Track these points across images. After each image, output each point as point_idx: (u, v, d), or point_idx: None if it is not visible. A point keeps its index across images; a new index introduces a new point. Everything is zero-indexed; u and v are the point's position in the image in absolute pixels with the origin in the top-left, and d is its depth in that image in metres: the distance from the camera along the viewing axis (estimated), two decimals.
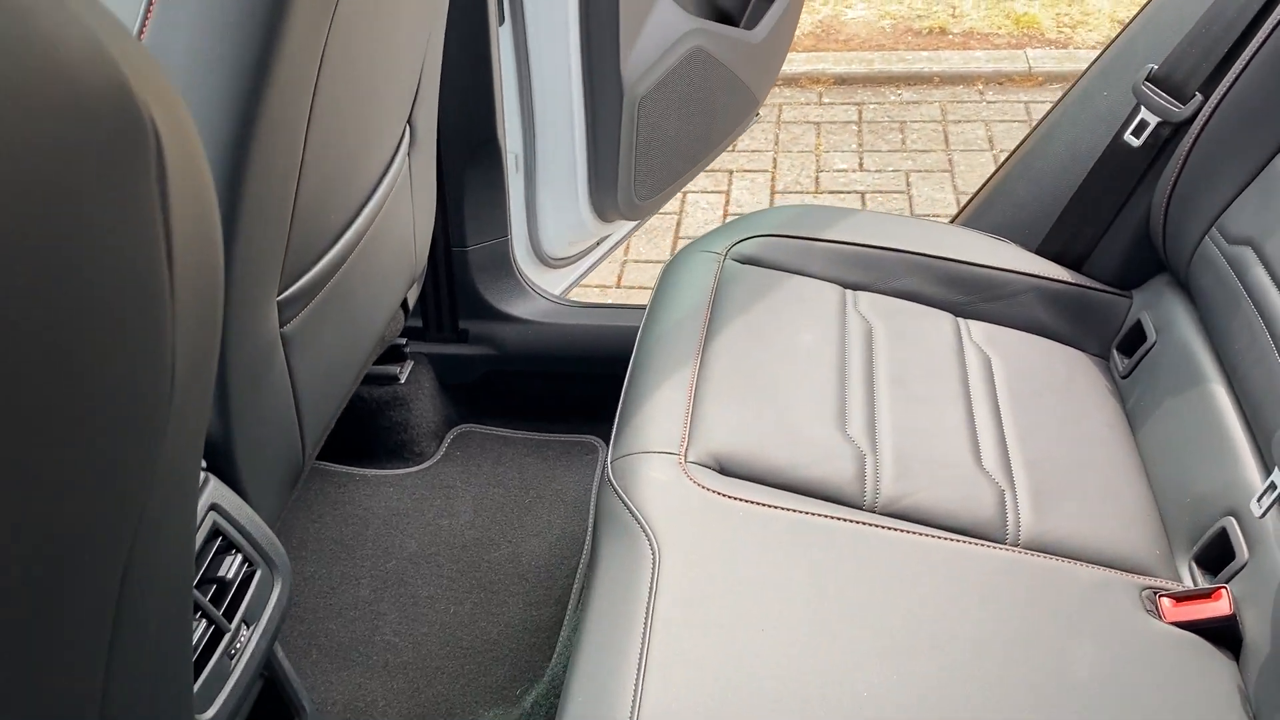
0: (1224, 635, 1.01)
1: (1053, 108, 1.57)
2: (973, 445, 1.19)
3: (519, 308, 1.86)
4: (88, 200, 0.40)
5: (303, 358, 1.08)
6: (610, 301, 2.98)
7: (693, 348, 1.26)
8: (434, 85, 1.34)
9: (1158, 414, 1.27)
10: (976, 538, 1.08)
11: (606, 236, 2.10)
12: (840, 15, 4.60)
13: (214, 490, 0.96)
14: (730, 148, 2.15)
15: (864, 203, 3.40)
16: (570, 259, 2.04)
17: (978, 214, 1.60)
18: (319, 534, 1.72)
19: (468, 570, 1.67)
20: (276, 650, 1.15)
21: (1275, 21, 1.26)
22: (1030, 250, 1.49)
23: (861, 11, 4.62)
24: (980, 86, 4.03)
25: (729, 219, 3.34)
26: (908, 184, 3.45)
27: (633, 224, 2.12)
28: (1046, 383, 1.32)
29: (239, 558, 0.97)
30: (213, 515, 0.95)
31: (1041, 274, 1.44)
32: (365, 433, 1.85)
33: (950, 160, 3.56)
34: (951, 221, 1.69)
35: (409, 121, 1.28)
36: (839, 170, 3.56)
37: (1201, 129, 1.31)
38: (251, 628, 0.96)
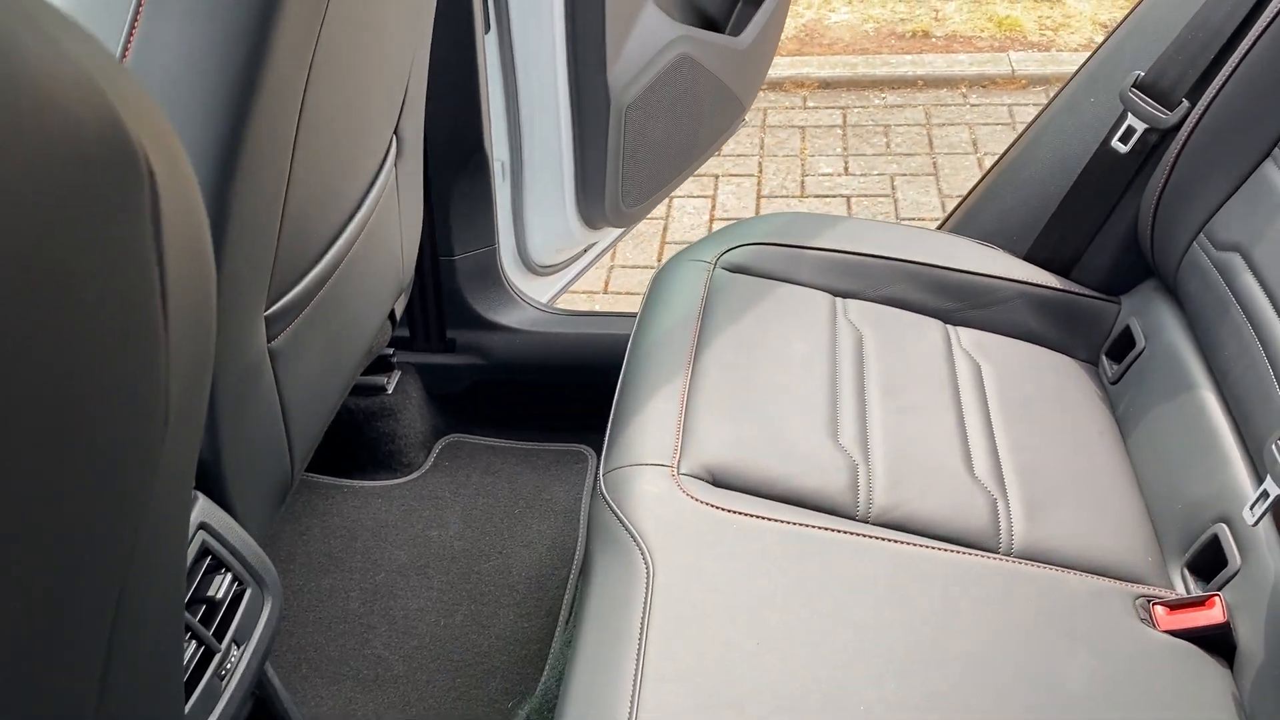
0: (1218, 643, 1.01)
1: (1039, 113, 1.57)
2: (964, 453, 1.19)
3: (507, 316, 1.85)
4: (82, 241, 0.39)
5: (291, 372, 1.07)
6: (598, 308, 2.97)
7: (684, 358, 1.25)
8: (420, 95, 1.33)
9: (1148, 420, 1.28)
10: (970, 547, 1.08)
11: (594, 244, 2.09)
12: (824, 19, 4.61)
13: (202, 508, 0.95)
14: (716, 153, 2.16)
15: (850, 206, 3.40)
16: (558, 266, 2.04)
17: (966, 220, 1.60)
18: (307, 547, 1.71)
19: (458, 582, 1.66)
20: (266, 668, 1.14)
21: (1261, 28, 1.26)
22: (1019, 257, 1.49)
23: (845, 15, 4.63)
24: (964, 89, 4.04)
25: (715, 224, 3.34)
26: (893, 187, 3.46)
27: (620, 231, 2.12)
28: (1036, 389, 1.32)
29: (229, 577, 0.96)
30: (202, 534, 0.94)
31: (1030, 280, 1.44)
32: (353, 444, 1.83)
33: (935, 164, 3.57)
34: (939, 227, 1.69)
35: (396, 132, 1.27)
36: (824, 174, 3.56)
37: (1189, 135, 1.32)
38: (242, 648, 0.95)
